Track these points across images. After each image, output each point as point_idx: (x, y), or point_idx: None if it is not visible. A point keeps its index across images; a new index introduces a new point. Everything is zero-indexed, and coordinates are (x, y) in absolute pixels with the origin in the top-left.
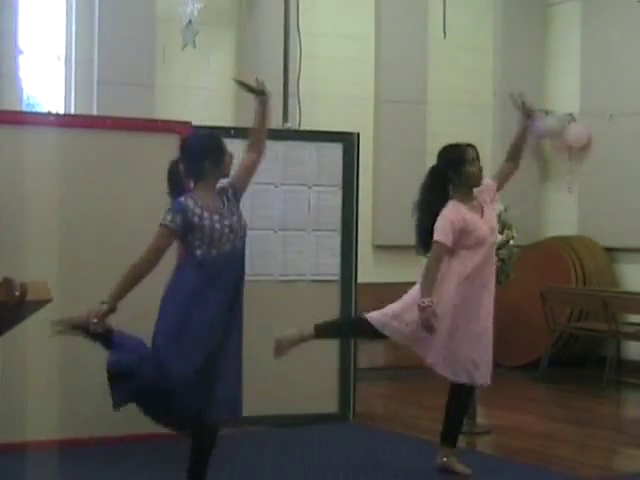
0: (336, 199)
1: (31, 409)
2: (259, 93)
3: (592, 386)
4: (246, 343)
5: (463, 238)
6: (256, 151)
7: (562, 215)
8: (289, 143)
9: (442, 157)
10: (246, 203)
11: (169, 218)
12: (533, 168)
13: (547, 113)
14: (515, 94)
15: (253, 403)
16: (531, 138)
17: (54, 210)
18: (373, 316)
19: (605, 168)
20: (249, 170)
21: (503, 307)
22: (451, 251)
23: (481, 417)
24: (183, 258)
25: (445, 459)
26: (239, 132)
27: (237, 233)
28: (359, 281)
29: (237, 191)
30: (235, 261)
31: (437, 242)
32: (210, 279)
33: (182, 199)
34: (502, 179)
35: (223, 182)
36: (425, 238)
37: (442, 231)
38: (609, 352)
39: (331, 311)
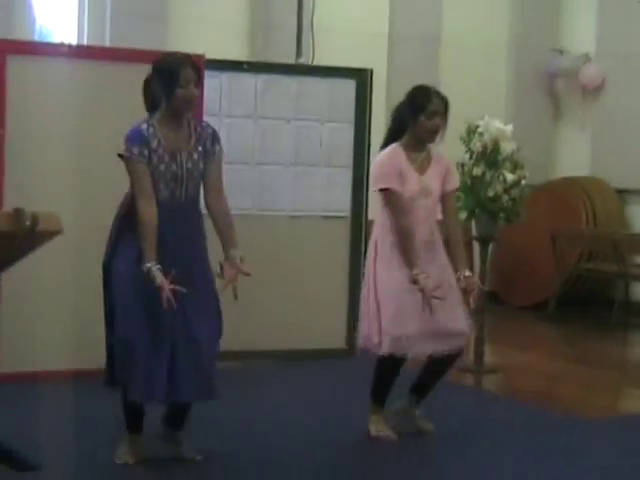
0: (348, 136)
1: (43, 340)
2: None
3: (599, 327)
4: (256, 278)
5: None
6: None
7: (574, 156)
8: (301, 78)
9: (408, 95)
10: (256, 138)
11: (135, 151)
12: (546, 107)
13: (561, 52)
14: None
15: (261, 338)
16: (545, 77)
17: (66, 141)
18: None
19: (619, 109)
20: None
21: (513, 247)
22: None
23: (488, 356)
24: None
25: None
26: (251, 67)
27: (182, 183)
28: (370, 217)
29: (207, 151)
30: (172, 213)
31: (385, 190)
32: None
33: (143, 125)
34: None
35: (211, 129)
36: None
37: (385, 177)
38: (617, 293)
39: (341, 247)
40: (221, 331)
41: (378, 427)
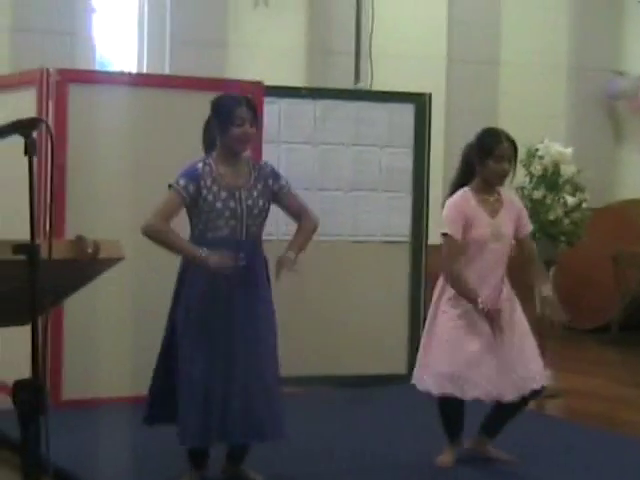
0: (407, 160)
1: (101, 367)
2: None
3: None
4: (316, 303)
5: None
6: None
7: (635, 177)
8: (360, 104)
9: (477, 137)
10: (316, 163)
11: (182, 183)
12: (607, 129)
13: (621, 74)
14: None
15: (322, 363)
16: (605, 99)
17: (126, 168)
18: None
19: None
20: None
21: (574, 270)
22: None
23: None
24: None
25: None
26: (310, 92)
27: (242, 220)
28: (430, 242)
29: (274, 190)
30: (235, 252)
31: (445, 236)
32: (202, 272)
33: (199, 164)
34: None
35: (270, 166)
36: None
37: (449, 219)
38: None
39: (401, 272)
40: (278, 370)
41: (443, 459)
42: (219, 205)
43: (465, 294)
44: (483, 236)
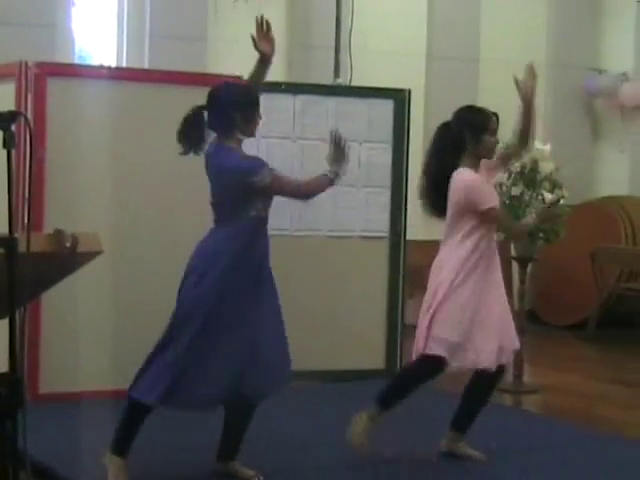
0: (386, 156)
1: (80, 360)
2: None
3: (639, 347)
4: (294, 298)
5: (469, 211)
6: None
7: (614, 175)
8: (340, 99)
9: (462, 118)
10: (295, 159)
11: (269, 171)
12: (585, 127)
13: (600, 72)
14: (516, 78)
15: (300, 358)
16: (583, 97)
17: (105, 162)
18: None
19: None
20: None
21: (552, 266)
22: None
23: (528, 376)
24: (226, 219)
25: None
26: (289, 87)
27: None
28: (408, 238)
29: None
30: (263, 229)
31: (490, 210)
32: (249, 244)
33: (240, 151)
34: (505, 159)
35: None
36: (440, 200)
37: (485, 198)
38: None
39: (380, 267)
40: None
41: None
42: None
43: (514, 228)
44: (497, 205)
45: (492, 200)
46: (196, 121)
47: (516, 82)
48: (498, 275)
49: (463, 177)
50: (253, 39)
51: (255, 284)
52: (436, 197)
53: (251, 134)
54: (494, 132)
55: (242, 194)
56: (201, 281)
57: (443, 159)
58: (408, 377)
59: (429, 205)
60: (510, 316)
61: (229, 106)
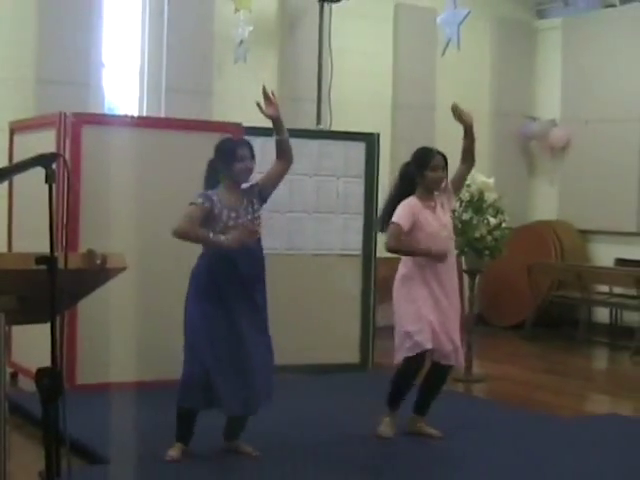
0: (360, 188)
1: (110, 357)
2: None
3: (567, 343)
4: (285, 304)
5: (415, 232)
6: (284, 162)
7: (545, 203)
8: (321, 141)
9: (413, 157)
10: (285, 190)
11: (200, 200)
12: (522, 164)
13: (534, 118)
14: (454, 105)
15: (288, 354)
16: (520, 139)
17: (129, 194)
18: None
19: (581, 165)
20: (275, 179)
21: (496, 278)
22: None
23: (476, 367)
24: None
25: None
26: None
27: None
28: (378, 255)
29: (263, 192)
30: (243, 257)
31: (393, 223)
32: (218, 273)
33: (210, 192)
34: (458, 180)
35: (251, 182)
36: (386, 220)
37: (400, 215)
38: (581, 316)
39: (355, 279)
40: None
41: (385, 429)
42: (231, 223)
43: (406, 252)
44: (435, 228)
45: (402, 219)
46: (208, 170)
47: (455, 108)
48: (450, 285)
49: (404, 202)
50: (259, 105)
51: (239, 300)
52: (387, 218)
53: (236, 179)
54: (435, 168)
55: None
56: (186, 302)
57: (396, 190)
58: (398, 378)
59: (380, 224)
60: (455, 323)
61: (218, 157)
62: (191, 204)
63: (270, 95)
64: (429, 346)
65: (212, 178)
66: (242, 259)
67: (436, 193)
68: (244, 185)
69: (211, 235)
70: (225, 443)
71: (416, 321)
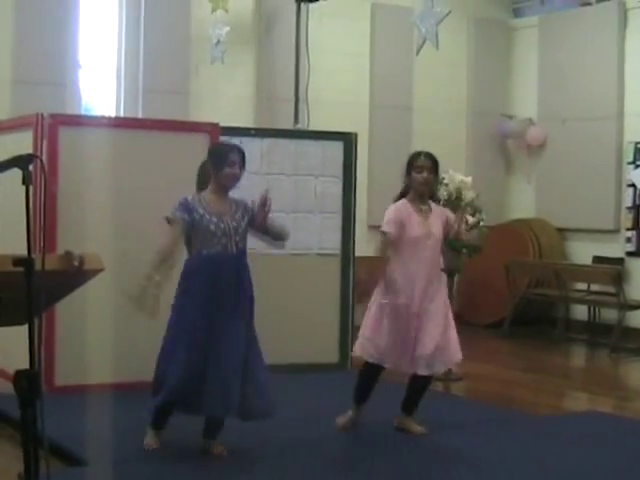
0: (337, 187)
1: (87, 359)
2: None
3: (545, 341)
4: (264, 305)
5: (401, 234)
6: (279, 243)
7: (523, 201)
8: (299, 141)
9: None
10: (262, 190)
11: (178, 214)
12: (499, 163)
13: (510, 117)
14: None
15: (270, 354)
16: (497, 138)
17: (106, 195)
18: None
19: (558, 164)
20: (261, 233)
21: (474, 276)
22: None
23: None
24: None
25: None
26: (257, 132)
27: (231, 238)
28: (356, 255)
29: (250, 219)
30: (226, 263)
31: (382, 232)
32: (201, 280)
33: (190, 197)
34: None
35: (248, 202)
36: None
37: (388, 221)
38: (560, 314)
39: (333, 279)
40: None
41: (340, 419)
42: (212, 227)
43: (385, 277)
44: (418, 234)
45: (391, 227)
46: (200, 172)
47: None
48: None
49: (392, 205)
50: (252, 209)
51: (223, 303)
52: None
53: (222, 184)
54: (420, 169)
55: None
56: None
57: (397, 196)
58: (360, 377)
59: None
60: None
61: (210, 159)
62: (167, 219)
63: (267, 202)
64: (386, 365)
65: (203, 181)
66: (221, 266)
67: (435, 206)
68: (237, 198)
69: (157, 278)
70: (203, 440)
71: (375, 333)
